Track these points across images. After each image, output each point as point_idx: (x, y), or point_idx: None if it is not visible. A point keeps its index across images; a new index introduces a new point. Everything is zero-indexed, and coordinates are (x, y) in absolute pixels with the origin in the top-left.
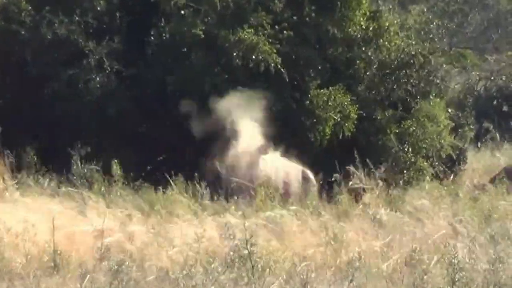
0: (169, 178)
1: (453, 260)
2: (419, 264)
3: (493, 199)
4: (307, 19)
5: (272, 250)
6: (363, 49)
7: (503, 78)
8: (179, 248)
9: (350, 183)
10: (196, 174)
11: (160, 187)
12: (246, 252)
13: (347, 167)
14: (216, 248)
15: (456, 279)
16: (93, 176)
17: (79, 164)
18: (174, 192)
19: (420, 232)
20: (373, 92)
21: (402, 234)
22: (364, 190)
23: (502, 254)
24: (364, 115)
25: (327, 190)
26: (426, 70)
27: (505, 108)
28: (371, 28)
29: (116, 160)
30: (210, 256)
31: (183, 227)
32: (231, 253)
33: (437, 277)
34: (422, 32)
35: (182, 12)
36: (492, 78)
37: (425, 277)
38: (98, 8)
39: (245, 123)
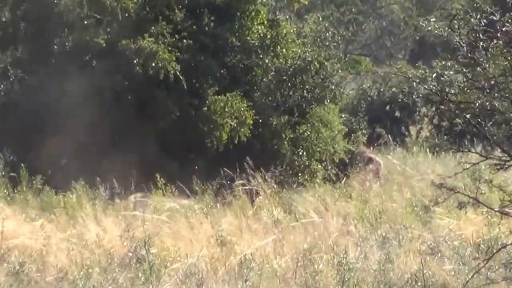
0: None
1: (342, 260)
2: (311, 264)
3: (383, 201)
4: (206, 28)
5: (168, 249)
6: (261, 56)
7: (394, 85)
8: (78, 249)
9: (245, 185)
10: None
11: (61, 191)
12: (143, 252)
13: (241, 171)
14: (115, 248)
15: (346, 279)
16: None
17: None
18: (75, 195)
19: (312, 233)
20: (270, 98)
21: (295, 235)
22: (257, 192)
23: (391, 255)
24: (260, 120)
25: (222, 192)
26: (321, 76)
27: (397, 114)
28: (269, 36)
29: (21, 164)
30: (109, 257)
31: (84, 228)
32: (129, 253)
33: (329, 277)
34: (318, 40)
35: (85, 22)
36: (385, 83)
37: (316, 277)
38: (3, 19)
39: None
